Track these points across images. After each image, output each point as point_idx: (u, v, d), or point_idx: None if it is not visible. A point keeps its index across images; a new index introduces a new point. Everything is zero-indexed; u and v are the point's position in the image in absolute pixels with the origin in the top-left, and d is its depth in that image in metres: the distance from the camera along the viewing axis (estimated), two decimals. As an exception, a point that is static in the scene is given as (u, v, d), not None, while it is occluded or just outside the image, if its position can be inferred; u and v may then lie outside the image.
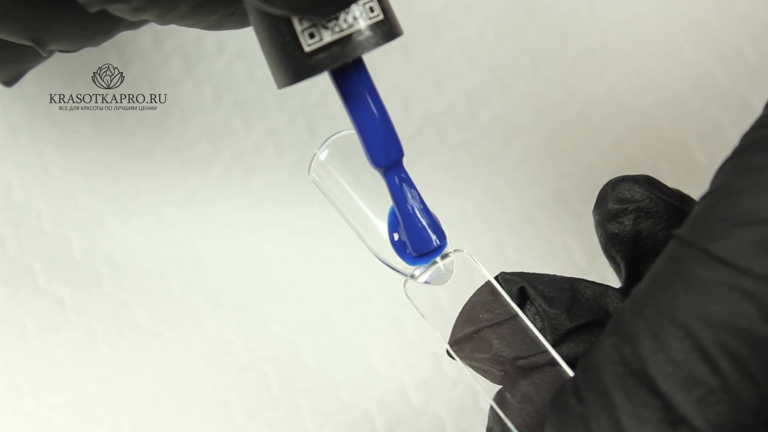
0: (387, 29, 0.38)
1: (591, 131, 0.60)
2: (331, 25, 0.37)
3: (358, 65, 0.39)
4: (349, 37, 0.37)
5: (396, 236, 0.43)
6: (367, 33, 0.37)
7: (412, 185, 0.41)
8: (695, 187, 0.44)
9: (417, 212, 0.41)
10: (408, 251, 0.42)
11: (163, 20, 0.40)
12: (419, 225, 0.41)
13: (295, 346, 0.57)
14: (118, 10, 0.39)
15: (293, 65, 0.37)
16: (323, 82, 0.62)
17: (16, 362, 0.58)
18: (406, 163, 0.59)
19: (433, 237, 0.42)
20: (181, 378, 0.57)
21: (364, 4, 0.37)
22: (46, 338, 0.58)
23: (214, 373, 0.57)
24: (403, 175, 0.41)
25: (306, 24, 0.37)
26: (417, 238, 0.42)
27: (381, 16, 0.38)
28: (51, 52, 0.44)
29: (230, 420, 0.56)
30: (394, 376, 0.56)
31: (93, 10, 0.39)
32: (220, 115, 0.62)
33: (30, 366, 0.58)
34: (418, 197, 0.41)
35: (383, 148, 0.40)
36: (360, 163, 0.42)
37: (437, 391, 0.56)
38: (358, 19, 0.37)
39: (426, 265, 0.43)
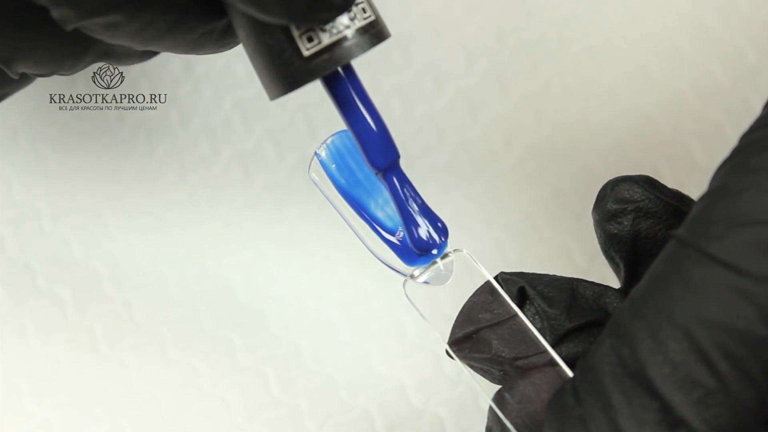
0: (379, 29, 0.38)
1: (591, 131, 0.60)
2: (328, 27, 0.37)
3: (350, 70, 0.39)
4: (346, 38, 0.37)
5: (395, 236, 0.43)
6: (362, 34, 0.38)
7: (410, 185, 0.41)
8: (695, 187, 0.44)
9: (417, 211, 0.41)
10: (409, 250, 0.42)
11: (140, 40, 0.39)
12: (419, 223, 0.42)
13: (294, 347, 0.58)
14: (94, 28, 0.38)
15: (291, 72, 0.37)
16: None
17: (16, 362, 0.58)
18: (406, 162, 0.59)
19: (435, 235, 0.42)
20: (180, 378, 0.57)
21: (358, 4, 0.38)
22: (46, 338, 0.58)
23: (214, 373, 0.57)
24: (401, 175, 0.41)
25: (303, 28, 0.37)
26: (418, 237, 0.42)
27: (372, 17, 0.38)
28: (24, 77, 0.43)
29: (230, 420, 0.56)
30: (394, 376, 0.56)
31: (69, 27, 0.38)
32: (220, 115, 0.62)
33: (30, 366, 0.58)
34: (417, 196, 0.41)
35: (381, 151, 0.40)
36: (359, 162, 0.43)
37: (437, 391, 0.56)
38: (354, 20, 0.37)
39: (425, 265, 0.43)
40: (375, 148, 0.40)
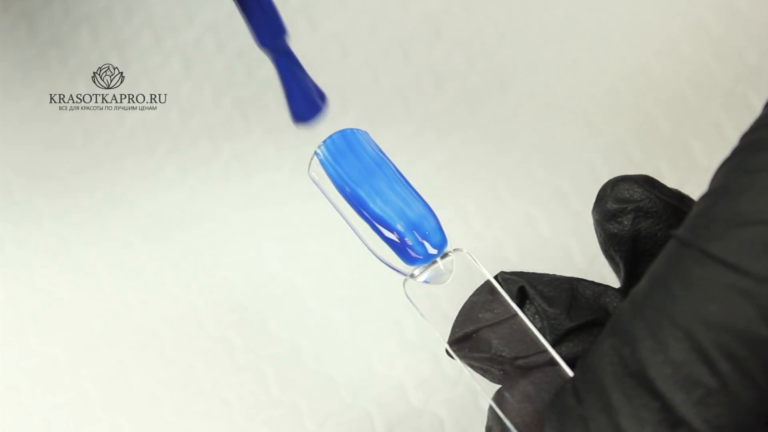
0: None
1: (591, 131, 0.60)
2: None
3: None
4: None
5: (394, 236, 0.43)
6: None
7: (297, 62, 0.43)
8: (695, 186, 0.44)
9: (300, 83, 0.43)
10: (406, 251, 0.42)
11: None
12: (300, 93, 0.43)
13: (294, 346, 0.58)
14: None
15: None
16: (322, 82, 0.62)
17: (15, 361, 0.58)
18: (407, 162, 0.59)
19: (319, 102, 0.44)
20: (180, 378, 0.57)
21: None
22: (45, 338, 0.58)
23: (213, 373, 0.57)
24: (289, 53, 0.43)
25: None
26: (299, 105, 0.43)
27: None
28: None
29: (230, 420, 0.56)
30: (394, 376, 0.56)
31: None
32: (220, 115, 0.62)
33: (29, 365, 0.58)
34: (304, 72, 0.43)
35: (269, 28, 0.41)
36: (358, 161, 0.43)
37: (437, 390, 0.56)
38: None
39: (425, 264, 0.43)
40: (262, 27, 0.41)
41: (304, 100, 0.44)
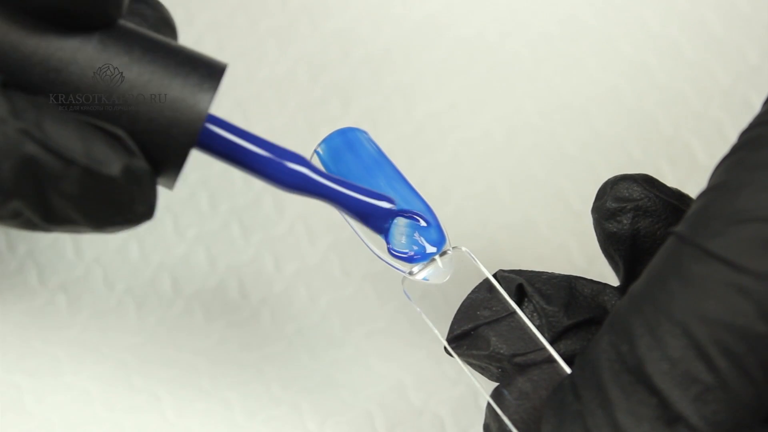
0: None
1: (592, 131, 0.60)
2: None
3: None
4: None
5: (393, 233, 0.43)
6: None
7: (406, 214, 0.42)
8: (695, 186, 0.44)
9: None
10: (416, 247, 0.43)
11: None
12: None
13: (295, 346, 0.58)
14: None
15: None
16: (323, 82, 0.62)
17: (16, 361, 0.58)
18: (407, 162, 0.59)
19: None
20: (181, 377, 0.57)
21: None
22: (46, 337, 0.58)
23: (214, 372, 0.57)
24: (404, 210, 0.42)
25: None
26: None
27: None
28: None
29: (230, 419, 0.56)
30: (394, 375, 0.56)
31: None
32: (219, 114, 0.62)
33: (31, 365, 0.58)
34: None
35: (377, 216, 0.41)
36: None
37: (437, 390, 0.56)
38: None
39: (424, 262, 0.43)
40: (371, 217, 0.41)
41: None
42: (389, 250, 0.43)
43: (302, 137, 0.61)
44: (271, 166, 0.40)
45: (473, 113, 0.61)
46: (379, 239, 0.43)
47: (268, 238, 0.60)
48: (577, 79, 0.61)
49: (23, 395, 0.57)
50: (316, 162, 0.44)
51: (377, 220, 0.42)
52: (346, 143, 0.45)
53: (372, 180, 0.44)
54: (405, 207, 0.43)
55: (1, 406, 0.57)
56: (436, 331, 0.43)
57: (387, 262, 0.43)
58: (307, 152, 0.44)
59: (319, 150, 0.45)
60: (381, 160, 0.45)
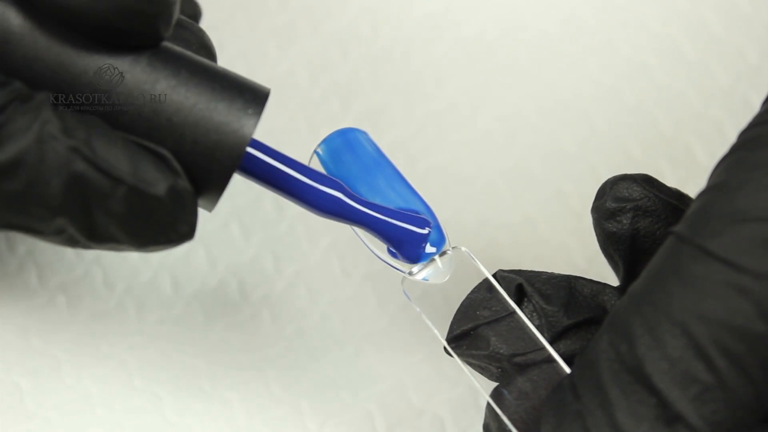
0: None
1: (592, 131, 0.60)
2: None
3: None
4: None
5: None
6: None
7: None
8: (695, 186, 0.44)
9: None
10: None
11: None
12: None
13: (295, 346, 0.58)
14: None
15: None
16: (323, 82, 0.62)
17: (17, 361, 0.58)
18: (407, 162, 0.59)
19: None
20: (181, 377, 0.57)
21: None
22: (46, 337, 0.58)
23: (214, 373, 0.57)
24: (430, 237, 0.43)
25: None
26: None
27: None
28: None
29: (231, 420, 0.56)
30: (394, 375, 0.56)
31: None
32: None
33: (31, 365, 0.58)
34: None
35: (413, 245, 0.42)
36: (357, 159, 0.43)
37: (437, 390, 0.56)
38: None
39: (424, 262, 0.43)
40: (405, 243, 0.42)
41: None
42: (389, 250, 0.43)
43: (302, 137, 0.61)
44: (309, 191, 0.40)
45: (473, 113, 0.61)
46: (378, 240, 0.43)
47: (268, 238, 0.60)
48: (576, 78, 0.61)
49: (23, 395, 0.57)
50: (315, 163, 0.44)
51: (411, 246, 0.42)
52: (346, 144, 0.45)
53: (372, 180, 0.44)
54: (405, 207, 0.43)
55: (1, 406, 0.57)
56: (435, 331, 0.43)
57: (387, 262, 0.43)
58: (307, 152, 0.44)
59: (318, 150, 0.45)
60: (381, 160, 0.45)
